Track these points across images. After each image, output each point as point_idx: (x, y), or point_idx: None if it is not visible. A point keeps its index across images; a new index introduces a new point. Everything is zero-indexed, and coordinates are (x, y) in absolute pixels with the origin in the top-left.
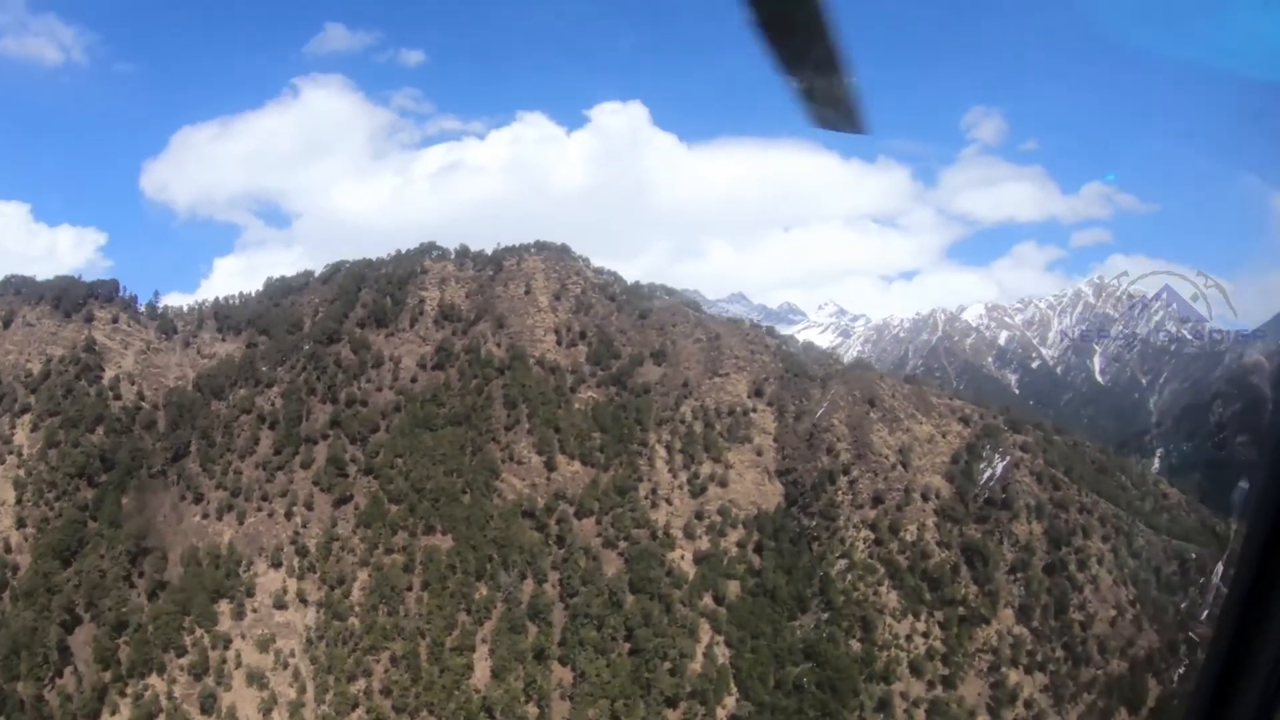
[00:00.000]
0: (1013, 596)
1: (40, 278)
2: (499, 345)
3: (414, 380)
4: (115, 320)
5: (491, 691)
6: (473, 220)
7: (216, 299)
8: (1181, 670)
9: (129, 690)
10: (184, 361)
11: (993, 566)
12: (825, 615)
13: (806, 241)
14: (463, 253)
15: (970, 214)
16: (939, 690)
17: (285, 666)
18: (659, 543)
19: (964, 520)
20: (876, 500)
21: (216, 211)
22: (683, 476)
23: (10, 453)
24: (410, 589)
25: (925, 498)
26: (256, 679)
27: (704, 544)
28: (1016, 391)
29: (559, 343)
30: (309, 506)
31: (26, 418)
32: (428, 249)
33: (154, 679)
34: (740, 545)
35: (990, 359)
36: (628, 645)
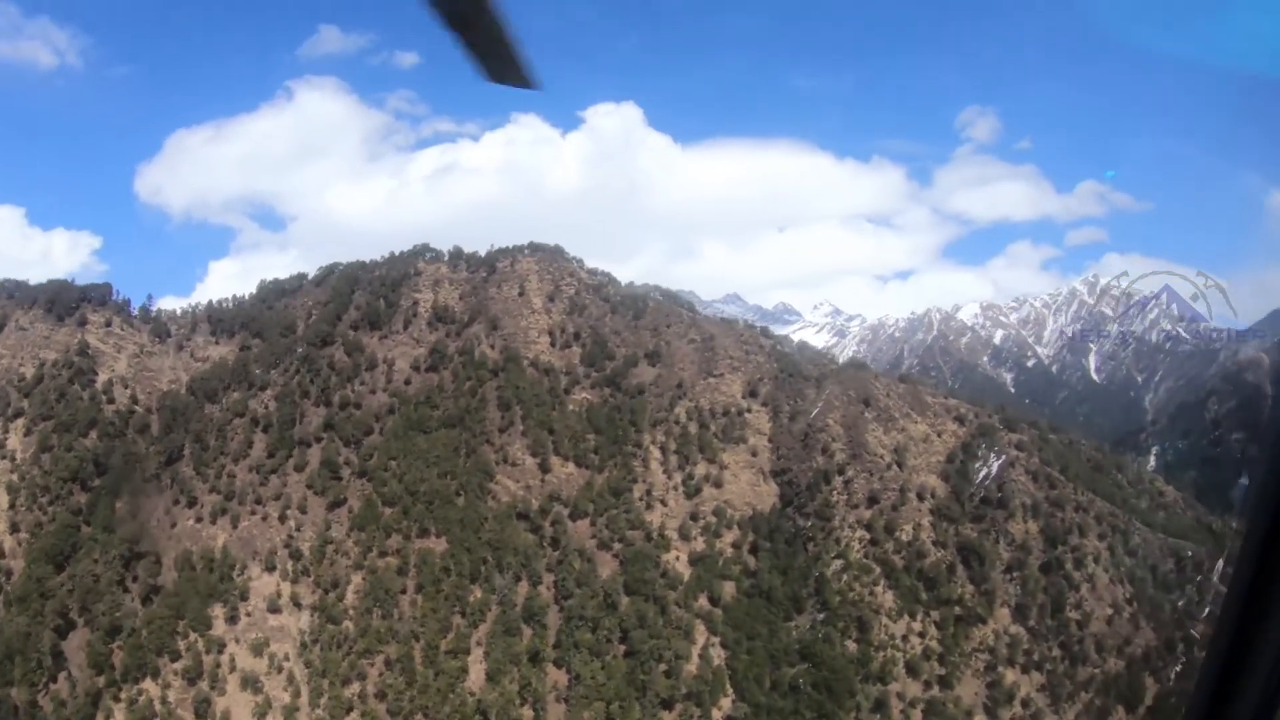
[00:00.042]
0: (1009, 596)
1: (34, 281)
2: (493, 347)
3: (408, 382)
4: (108, 324)
5: (486, 694)
6: (467, 222)
7: (210, 302)
8: (1179, 668)
9: (123, 695)
10: (177, 365)
11: (989, 566)
12: (821, 616)
13: (801, 242)
14: (456, 254)
15: (965, 213)
16: (935, 690)
17: (279, 670)
18: (654, 544)
19: (960, 520)
20: (872, 500)
21: (211, 214)
22: (677, 477)
23: (3, 457)
24: (405, 592)
25: (921, 497)
26: (251, 683)
27: (699, 545)
28: (1012, 390)
29: (553, 344)
30: (303, 510)
31: (19, 422)
32: (421, 251)
33: (148, 683)
34: (735, 546)
35: (985, 358)
36: (623, 647)
